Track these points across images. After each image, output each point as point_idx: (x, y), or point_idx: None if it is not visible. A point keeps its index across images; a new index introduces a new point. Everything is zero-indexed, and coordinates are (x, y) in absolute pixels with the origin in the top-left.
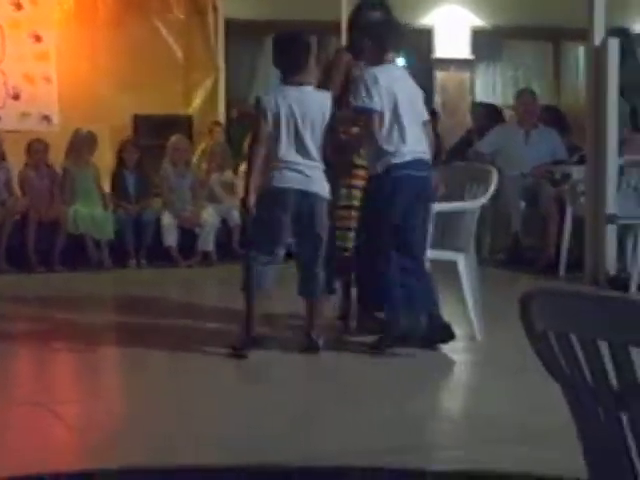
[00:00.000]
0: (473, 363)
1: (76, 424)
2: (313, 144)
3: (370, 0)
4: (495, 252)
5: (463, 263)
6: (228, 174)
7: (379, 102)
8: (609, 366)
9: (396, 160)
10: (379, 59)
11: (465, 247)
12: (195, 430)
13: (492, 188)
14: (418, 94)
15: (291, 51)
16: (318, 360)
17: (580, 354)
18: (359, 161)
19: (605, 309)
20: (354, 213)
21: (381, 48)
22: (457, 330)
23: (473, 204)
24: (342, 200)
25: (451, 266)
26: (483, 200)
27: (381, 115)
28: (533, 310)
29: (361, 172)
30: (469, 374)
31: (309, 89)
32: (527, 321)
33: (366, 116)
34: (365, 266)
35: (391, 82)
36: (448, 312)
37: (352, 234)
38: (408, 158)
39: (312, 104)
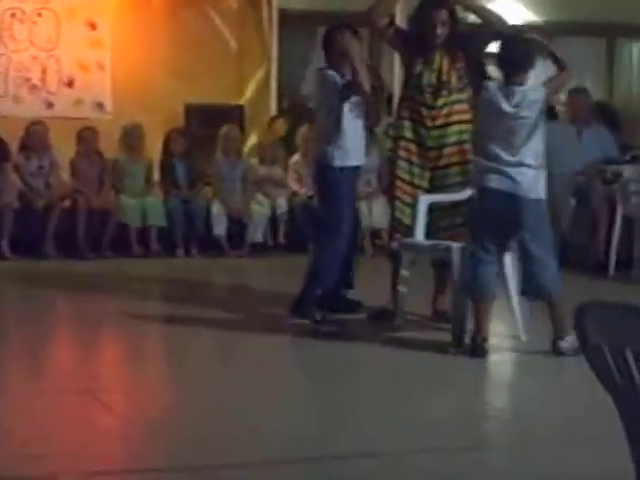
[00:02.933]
0: (518, 362)
1: (124, 414)
2: None
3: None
4: None
5: (509, 262)
6: (277, 169)
7: None
8: None
9: None
10: None
11: (511, 246)
12: (248, 425)
13: None
14: None
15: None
16: None
17: (634, 367)
18: None
19: None
20: None
21: None
22: (502, 328)
23: None
24: None
25: None
26: None
27: None
28: (587, 323)
29: None
30: (514, 374)
31: None
32: (581, 333)
33: None
34: None
35: None
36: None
37: None
38: None
39: None
